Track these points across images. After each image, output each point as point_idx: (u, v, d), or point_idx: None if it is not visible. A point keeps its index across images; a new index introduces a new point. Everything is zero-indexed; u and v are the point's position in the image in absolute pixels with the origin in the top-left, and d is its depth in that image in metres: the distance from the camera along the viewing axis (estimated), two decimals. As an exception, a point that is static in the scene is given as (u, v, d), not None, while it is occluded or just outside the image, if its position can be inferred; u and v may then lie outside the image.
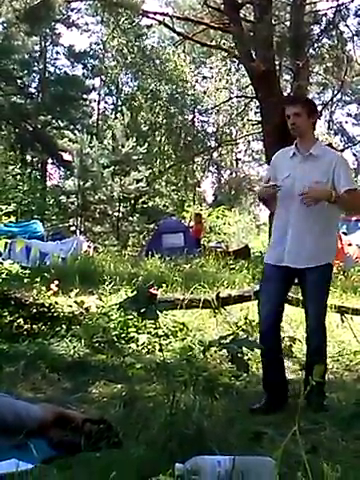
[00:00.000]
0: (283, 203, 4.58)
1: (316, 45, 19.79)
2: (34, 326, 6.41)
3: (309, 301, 4.50)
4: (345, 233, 16.44)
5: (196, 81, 41.22)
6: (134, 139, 30.63)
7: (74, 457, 3.04)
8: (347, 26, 19.81)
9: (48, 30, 36.30)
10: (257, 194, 4.90)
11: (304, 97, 4.78)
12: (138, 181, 30.08)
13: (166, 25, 20.09)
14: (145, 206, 31.97)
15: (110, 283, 8.28)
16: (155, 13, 19.80)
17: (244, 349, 3.32)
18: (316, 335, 4.49)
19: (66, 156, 33.79)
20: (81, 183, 29.09)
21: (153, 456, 2.86)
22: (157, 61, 38.76)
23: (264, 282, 4.79)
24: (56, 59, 40.60)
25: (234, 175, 44.43)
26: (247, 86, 23.03)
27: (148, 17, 20.55)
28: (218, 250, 14.93)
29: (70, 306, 6.84)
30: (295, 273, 4.48)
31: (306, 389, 2.23)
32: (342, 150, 32.85)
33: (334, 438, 3.59)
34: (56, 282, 7.22)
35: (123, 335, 6.32)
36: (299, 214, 4.42)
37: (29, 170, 34.89)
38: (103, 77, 41.16)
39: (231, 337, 3.49)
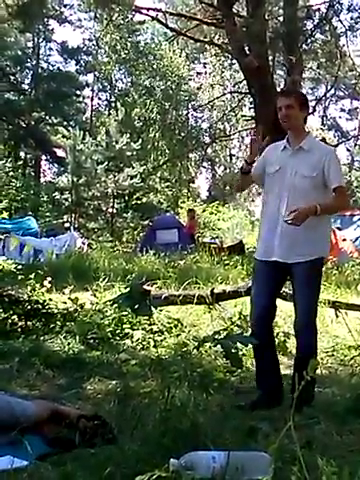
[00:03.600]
0: (272, 196, 4.55)
1: (309, 40, 19.79)
2: (28, 323, 6.41)
3: (299, 296, 4.45)
4: (339, 228, 16.46)
5: (190, 77, 41.19)
6: (128, 135, 30.58)
7: (69, 453, 3.04)
8: (340, 21, 19.86)
9: (41, 26, 36.17)
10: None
11: (296, 90, 4.77)
12: (132, 177, 30.04)
13: (159, 21, 20.06)
14: (139, 202, 31.93)
15: (104, 279, 8.29)
16: (148, 9, 19.80)
17: (238, 345, 3.32)
18: (306, 330, 4.44)
19: (60, 152, 33.79)
20: (75, 179, 29.06)
21: (148, 452, 2.86)
22: (151, 57, 38.68)
23: (254, 279, 4.75)
24: (49, 55, 40.60)
25: (228, 171, 44.44)
26: (241, 81, 23.02)
27: (141, 13, 20.53)
28: (212, 246, 14.93)
29: (64, 303, 6.84)
30: (285, 268, 4.45)
31: (299, 384, 2.23)
32: (336, 145, 32.92)
33: (329, 432, 3.59)
34: (49, 279, 7.21)
35: (118, 331, 6.32)
36: (290, 207, 4.34)
37: (23, 166, 34.80)
38: (96, 73, 41.11)
39: (225, 333, 3.49)
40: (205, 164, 44.93)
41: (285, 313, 6.65)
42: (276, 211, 4.47)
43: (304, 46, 19.37)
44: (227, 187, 42.99)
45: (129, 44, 37.43)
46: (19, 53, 35.51)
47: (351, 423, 3.80)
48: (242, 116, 29.85)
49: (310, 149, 4.46)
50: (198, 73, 42.11)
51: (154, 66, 38.41)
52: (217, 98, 31.32)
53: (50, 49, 40.36)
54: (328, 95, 37.30)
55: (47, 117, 35.56)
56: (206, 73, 39.77)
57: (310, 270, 4.39)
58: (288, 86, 17.58)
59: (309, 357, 4.02)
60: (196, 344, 5.46)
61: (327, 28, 19.57)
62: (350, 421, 3.83)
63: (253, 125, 18.91)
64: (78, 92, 38.62)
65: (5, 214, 10.30)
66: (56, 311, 6.63)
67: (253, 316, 4.64)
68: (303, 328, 4.44)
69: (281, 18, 18.69)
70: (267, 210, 4.63)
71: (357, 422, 3.80)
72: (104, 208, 30.60)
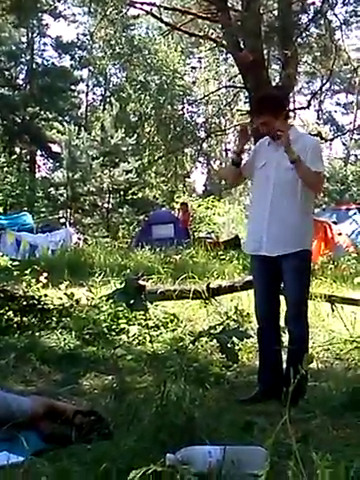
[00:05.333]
0: (260, 191, 4.62)
1: (304, 34, 19.77)
2: (24, 319, 6.40)
3: (288, 289, 4.50)
4: (335, 222, 16.47)
5: (185, 71, 41.15)
6: (123, 130, 30.54)
7: (65, 449, 3.04)
8: (335, 15, 19.84)
9: (35, 21, 36.09)
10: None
11: (264, 100, 4.74)
12: (127, 172, 30.01)
13: (154, 15, 20.00)
14: (135, 197, 31.89)
15: (100, 275, 8.28)
16: (142, 3, 19.67)
17: (234, 339, 3.32)
18: (297, 324, 4.46)
19: (55, 148, 33.73)
20: (70, 175, 29.03)
21: (144, 447, 2.86)
22: (145, 52, 38.65)
23: (253, 276, 4.83)
24: (43, 50, 40.39)
25: (224, 165, 44.43)
26: (236, 76, 22.96)
27: (135, 7, 20.47)
28: (208, 241, 14.94)
29: (60, 298, 6.84)
30: (276, 262, 4.48)
31: (293, 378, 2.23)
32: (331, 139, 32.99)
33: (325, 427, 3.60)
34: (45, 274, 7.21)
35: (113, 327, 6.32)
36: (275, 202, 4.44)
37: (18, 162, 34.73)
38: (91, 68, 41.02)
39: (221, 327, 3.49)
40: (200, 159, 44.91)
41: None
42: (262, 205, 4.53)
43: (299, 40, 19.34)
44: (223, 182, 42.97)
45: (124, 39, 37.41)
46: (13, 48, 35.34)
47: (347, 417, 3.81)
48: (237, 110, 29.84)
49: (293, 141, 4.48)
50: (193, 68, 42.10)
51: (149, 61, 38.39)
52: (212, 93, 31.25)
53: (44, 44, 40.23)
54: (323, 89, 37.34)
55: (42, 112, 35.43)
56: (201, 67, 39.76)
57: (297, 263, 4.42)
58: (283, 81, 17.56)
59: (301, 350, 4.06)
60: (192, 339, 5.48)
61: (322, 22, 19.54)
62: (346, 415, 3.84)
63: (248, 119, 18.89)
64: (73, 87, 38.51)
65: (0, 209, 10.28)
66: (52, 307, 6.63)
67: (257, 314, 4.70)
68: (293, 321, 4.46)
69: (276, 12, 18.67)
70: (254, 204, 4.74)
71: (353, 416, 3.81)
72: (100, 203, 30.57)
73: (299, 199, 4.43)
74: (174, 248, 13.27)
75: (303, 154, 4.42)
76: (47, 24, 38.69)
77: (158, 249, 12.75)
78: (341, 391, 4.31)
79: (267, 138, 4.68)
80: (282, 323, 4.62)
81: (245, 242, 4.85)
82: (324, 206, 25.86)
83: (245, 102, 27.91)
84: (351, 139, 42.22)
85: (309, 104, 23.48)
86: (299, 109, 25.97)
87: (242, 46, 16.23)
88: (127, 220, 30.90)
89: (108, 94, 41.56)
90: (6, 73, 35.56)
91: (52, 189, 30.15)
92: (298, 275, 4.47)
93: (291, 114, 18.51)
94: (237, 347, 4.60)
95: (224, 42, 18.12)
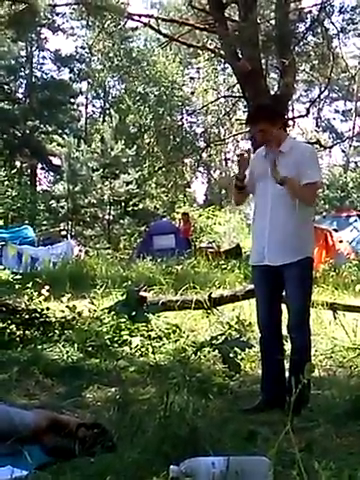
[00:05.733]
0: (260, 203, 4.64)
1: (302, 43, 19.84)
2: (27, 332, 6.40)
3: (290, 297, 4.50)
4: (336, 230, 16.48)
5: (183, 82, 41.25)
6: (123, 142, 30.62)
7: (68, 462, 3.03)
8: (332, 23, 19.92)
9: (34, 35, 36.22)
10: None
11: (261, 109, 4.79)
12: (128, 183, 30.07)
13: (152, 27, 20.06)
14: (135, 208, 31.92)
15: (102, 286, 8.29)
16: (140, 15, 19.77)
17: (236, 349, 3.33)
18: (299, 332, 4.46)
19: (55, 160, 33.80)
20: (71, 187, 29.08)
21: (148, 459, 2.86)
22: (144, 63, 38.76)
23: (255, 285, 4.83)
24: (42, 64, 40.51)
25: (224, 175, 44.46)
26: (234, 85, 23.03)
27: (133, 20, 20.51)
28: (209, 250, 14.94)
29: (62, 311, 6.85)
30: (278, 271, 4.48)
31: (295, 388, 2.24)
32: (331, 147, 32.97)
33: (328, 435, 3.59)
34: (47, 287, 7.21)
35: (116, 338, 6.31)
36: (274, 213, 4.46)
37: (18, 175, 34.79)
38: (90, 81, 41.13)
39: (223, 337, 3.50)
40: (200, 169, 44.97)
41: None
42: (263, 216, 4.57)
43: (297, 49, 19.41)
44: (223, 191, 43.01)
45: (122, 51, 37.55)
46: (12, 62, 35.50)
47: (350, 425, 3.80)
48: (236, 120, 29.90)
49: (288, 151, 4.51)
50: (191, 78, 42.14)
51: (147, 72, 38.50)
52: (211, 103, 31.33)
53: (43, 58, 40.33)
54: (322, 97, 37.37)
55: (42, 125, 35.53)
56: (199, 78, 39.80)
57: (299, 271, 4.42)
58: (281, 90, 17.60)
59: (304, 359, 4.06)
60: (194, 349, 5.48)
61: (319, 30, 19.60)
62: (349, 423, 3.83)
63: (247, 129, 18.91)
64: (72, 100, 38.58)
65: (1, 222, 10.29)
66: (54, 319, 6.63)
67: (259, 323, 4.70)
68: (296, 329, 4.46)
69: (273, 21, 18.73)
70: (256, 216, 4.74)
71: (356, 424, 3.80)
72: (100, 215, 30.60)
73: (297, 208, 4.44)
74: (175, 258, 13.28)
75: (297, 163, 4.43)
76: (46, 38, 38.87)
77: (159, 260, 12.76)
78: (344, 399, 4.30)
79: (263, 149, 4.70)
80: (284, 332, 4.62)
81: (250, 254, 4.87)
82: (324, 213, 25.87)
83: (244, 111, 27.97)
84: (350, 146, 42.25)
85: (308, 112, 23.56)
86: (298, 117, 26.04)
87: (240, 56, 16.27)
88: (128, 231, 30.92)
89: (107, 106, 41.69)
90: (6, 87, 35.69)
91: (53, 202, 30.20)
92: (300, 283, 4.47)
93: (290, 122, 18.53)
94: (239, 357, 4.61)
95: (222, 52, 18.20)
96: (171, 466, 2.73)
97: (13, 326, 6.45)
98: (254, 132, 4.57)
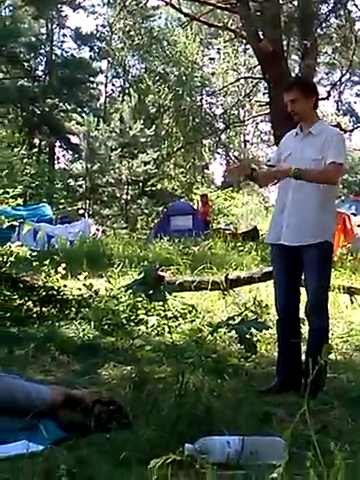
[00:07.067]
0: (283, 182, 4.61)
1: (324, 25, 19.64)
2: (43, 309, 6.45)
3: (308, 280, 4.47)
4: (355, 214, 16.35)
5: (204, 63, 41.03)
6: (142, 121, 30.56)
7: (84, 438, 3.05)
8: (355, 5, 19.73)
9: (54, 13, 36.12)
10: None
11: (298, 80, 4.81)
12: (146, 163, 30.04)
13: (173, 6, 19.97)
14: (153, 189, 31.93)
15: (119, 266, 8.30)
16: (162, -6, 19.66)
17: (253, 330, 3.32)
18: (317, 315, 4.45)
19: (74, 139, 33.78)
20: (89, 166, 29.11)
21: (163, 437, 2.87)
22: (164, 43, 38.57)
23: (273, 267, 4.81)
24: (63, 42, 40.43)
25: (242, 156, 44.29)
26: (255, 67, 22.86)
27: (155, -2, 20.42)
28: (227, 232, 14.92)
29: (79, 289, 6.87)
30: (296, 252, 4.46)
31: (312, 370, 2.23)
32: (351, 130, 32.75)
33: (343, 418, 3.59)
34: (63, 265, 7.23)
35: (132, 317, 6.34)
36: (296, 192, 4.44)
37: (37, 153, 34.84)
38: (110, 59, 40.99)
39: (239, 318, 3.49)
40: (219, 150, 44.84)
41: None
42: (285, 195, 4.55)
43: (319, 31, 19.23)
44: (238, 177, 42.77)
45: (143, 30, 37.29)
46: (33, 39, 35.34)
47: (365, 409, 3.80)
48: (256, 102, 29.71)
49: (318, 133, 4.51)
50: (212, 59, 41.92)
51: (168, 52, 38.29)
52: (231, 84, 31.14)
53: (64, 35, 40.24)
54: (343, 80, 36.93)
55: (61, 104, 35.49)
56: (220, 58, 39.54)
57: (318, 254, 4.39)
58: (302, 72, 17.48)
59: (321, 342, 4.05)
60: (210, 330, 5.48)
61: (342, 12, 19.40)
62: (365, 407, 3.83)
63: (267, 111, 18.80)
64: (92, 79, 38.44)
65: (20, 201, 10.32)
66: (71, 297, 6.66)
67: (277, 305, 4.69)
68: (313, 313, 4.44)
69: (295, 2, 18.56)
70: (279, 195, 4.72)
71: (372, 407, 3.80)
72: (118, 195, 30.63)
73: (321, 190, 4.40)
74: (193, 239, 13.27)
75: (324, 146, 4.41)
76: (66, 15, 38.70)
77: (176, 240, 12.75)
78: (360, 383, 4.30)
79: (293, 131, 4.69)
80: (302, 314, 4.61)
81: (268, 232, 4.86)
82: (343, 197, 25.73)
83: (264, 93, 27.81)
84: (371, 130, 41.91)
85: (329, 95, 23.32)
86: (319, 100, 25.81)
87: (261, 37, 16.15)
88: (146, 211, 30.96)
89: (127, 85, 41.58)
90: (25, 64, 35.62)
91: (71, 180, 30.25)
92: (319, 267, 4.44)
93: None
94: (255, 338, 4.60)
95: (243, 33, 18.05)
96: (186, 444, 2.74)
97: (30, 303, 6.49)
98: (286, 100, 4.53)
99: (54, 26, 39.05)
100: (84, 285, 6.93)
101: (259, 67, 18.15)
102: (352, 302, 7.13)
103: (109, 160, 29.42)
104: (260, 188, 5.58)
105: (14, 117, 35.77)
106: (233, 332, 3.39)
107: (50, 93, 34.78)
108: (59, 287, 6.73)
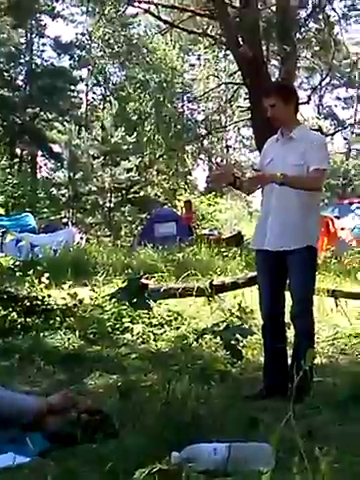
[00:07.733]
0: (266, 188, 4.62)
1: (303, 29, 19.78)
2: (28, 319, 6.41)
3: (293, 284, 4.50)
4: (338, 217, 16.46)
5: (184, 69, 41.07)
6: (123, 129, 30.52)
7: (71, 449, 3.04)
8: (333, 9, 19.92)
9: (33, 22, 36.06)
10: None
11: (277, 85, 4.84)
12: (129, 171, 29.99)
13: (152, 13, 20.02)
14: (136, 196, 31.84)
15: (103, 274, 8.28)
16: (140, 1, 19.70)
17: (238, 336, 3.32)
18: (303, 319, 4.46)
19: (56, 148, 33.69)
20: (71, 174, 29.04)
21: (149, 445, 2.86)
22: (144, 50, 38.57)
23: (257, 271, 4.82)
24: (42, 51, 40.22)
25: (225, 162, 44.35)
26: (235, 72, 22.93)
27: (133, 6, 20.52)
28: (211, 238, 14.91)
29: (63, 298, 6.84)
30: (280, 257, 4.47)
31: (297, 374, 2.23)
32: (332, 134, 32.93)
33: (330, 422, 3.60)
34: (46, 274, 7.21)
35: (117, 326, 6.33)
36: (279, 198, 4.45)
37: (19, 163, 34.70)
38: (90, 67, 40.92)
39: (225, 324, 3.49)
40: (202, 156, 44.87)
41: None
42: (269, 201, 4.56)
43: (298, 35, 19.35)
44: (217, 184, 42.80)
45: (122, 37, 37.28)
46: (12, 49, 35.29)
47: (352, 412, 3.80)
48: (238, 107, 29.79)
49: (299, 138, 4.52)
50: (192, 65, 41.94)
51: (148, 59, 38.29)
52: (212, 90, 31.17)
53: (43, 44, 40.03)
54: (323, 84, 37.15)
55: (42, 113, 35.43)
56: (200, 65, 39.56)
57: (302, 258, 4.41)
58: (282, 77, 17.56)
59: (306, 346, 4.06)
60: (196, 336, 5.48)
61: (320, 17, 19.53)
62: (351, 410, 3.84)
63: (249, 116, 18.86)
64: (72, 87, 38.42)
65: (2, 211, 10.25)
66: (55, 307, 6.63)
67: (262, 310, 4.69)
68: (299, 317, 4.45)
69: (274, 7, 18.64)
70: (263, 200, 4.75)
71: (358, 411, 3.81)
72: (101, 202, 30.54)
73: (304, 195, 4.42)
74: (177, 246, 13.25)
75: (306, 151, 4.41)
76: (45, 24, 38.59)
77: (161, 247, 12.72)
78: (346, 386, 4.30)
79: (274, 136, 4.70)
80: (287, 319, 4.62)
81: (252, 238, 4.88)
82: (326, 201, 25.85)
83: (245, 98, 27.84)
84: (352, 133, 42.15)
85: (309, 99, 23.48)
86: (299, 104, 25.91)
87: (241, 42, 16.21)
88: (129, 219, 30.87)
89: (108, 93, 41.49)
90: (5, 74, 35.47)
91: (54, 189, 30.15)
92: (303, 271, 4.46)
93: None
94: (241, 344, 4.61)
95: (223, 39, 18.12)
96: (173, 452, 2.74)
97: (14, 313, 6.45)
98: (266, 106, 4.54)
99: (33, 35, 38.94)
100: (68, 294, 6.90)
101: (239, 73, 18.22)
102: (337, 305, 7.15)
103: (91, 168, 29.35)
104: (247, 195, 5.61)
105: (-5, 127, 35.64)
106: (219, 338, 3.39)
107: (31, 102, 34.73)
108: (43, 297, 6.71)
